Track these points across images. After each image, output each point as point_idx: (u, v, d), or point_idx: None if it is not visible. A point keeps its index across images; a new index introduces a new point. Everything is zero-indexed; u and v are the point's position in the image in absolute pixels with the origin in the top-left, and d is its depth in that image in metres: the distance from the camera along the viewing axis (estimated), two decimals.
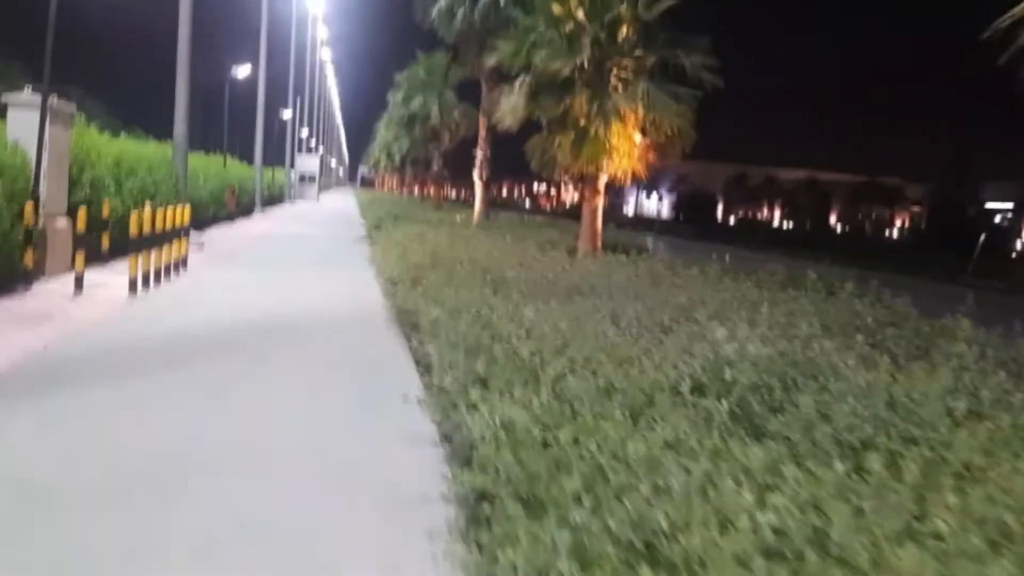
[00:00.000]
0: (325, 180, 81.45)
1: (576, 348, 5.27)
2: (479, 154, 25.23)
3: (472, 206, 28.34)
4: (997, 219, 63.28)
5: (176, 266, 12.68)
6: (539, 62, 13.57)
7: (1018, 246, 61.14)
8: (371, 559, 3.45)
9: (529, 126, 14.95)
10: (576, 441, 3.61)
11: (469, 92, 32.46)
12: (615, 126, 13.55)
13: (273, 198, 42.08)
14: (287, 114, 51.24)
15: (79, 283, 10.52)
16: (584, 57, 13.24)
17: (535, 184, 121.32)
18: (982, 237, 30.21)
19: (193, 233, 16.67)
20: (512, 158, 21.23)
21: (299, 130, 57.85)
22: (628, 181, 15.24)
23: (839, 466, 3.00)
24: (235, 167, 31.65)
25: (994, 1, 5.06)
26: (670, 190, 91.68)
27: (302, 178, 56.35)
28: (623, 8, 13.44)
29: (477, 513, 3.63)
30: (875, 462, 2.99)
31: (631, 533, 2.70)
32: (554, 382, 4.49)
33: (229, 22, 46.32)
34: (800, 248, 35.15)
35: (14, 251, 10.22)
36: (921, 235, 64.03)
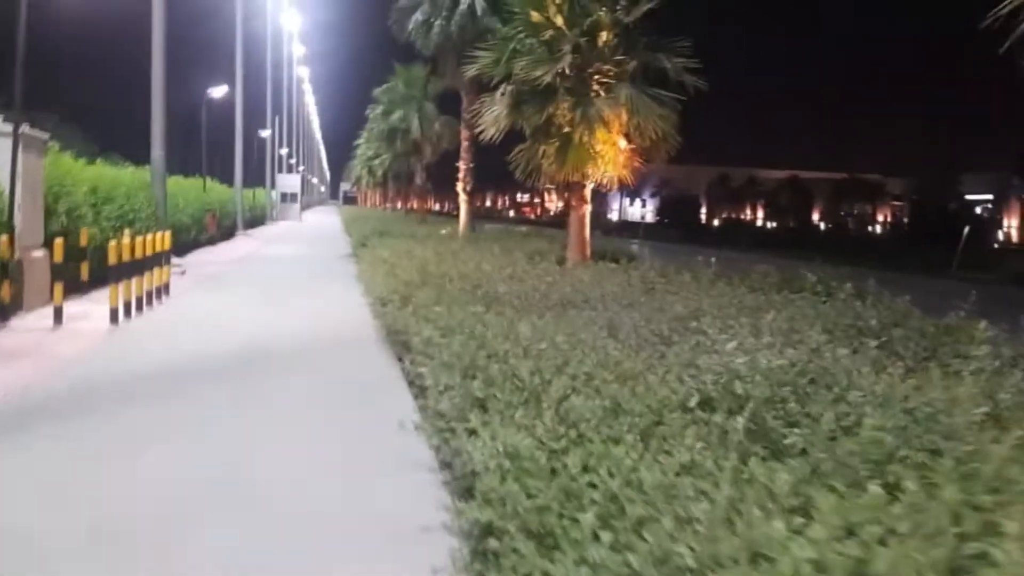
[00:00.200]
0: (307, 198, 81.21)
1: (576, 365, 5.07)
2: (462, 166, 25.04)
3: (456, 218, 28.13)
4: (978, 211, 63.69)
5: (158, 293, 12.48)
6: (520, 70, 13.38)
7: (1000, 237, 61.54)
8: None
9: (512, 136, 14.77)
10: (586, 468, 3.41)
11: (449, 104, 32.36)
12: (599, 132, 13.38)
13: (255, 219, 41.77)
14: (266, 133, 50.97)
15: (58, 316, 10.30)
16: (565, 64, 13.06)
17: (518, 194, 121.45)
18: (966, 230, 30.23)
19: (174, 259, 16.46)
20: (495, 168, 21.09)
21: (279, 149, 57.56)
22: (614, 187, 15.08)
23: (870, 486, 2.80)
24: (215, 189, 31.37)
25: None
26: (653, 194, 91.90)
27: (284, 197, 56.09)
28: (602, 13, 13.29)
29: (483, 547, 3.44)
30: (908, 479, 2.80)
31: (655, 572, 2.51)
32: (557, 403, 4.28)
33: (204, 43, 46.08)
34: (785, 247, 35.21)
35: None
36: (904, 230, 64.32)
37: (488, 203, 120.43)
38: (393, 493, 4.62)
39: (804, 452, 3.49)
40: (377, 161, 45.36)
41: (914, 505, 2.62)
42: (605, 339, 6.10)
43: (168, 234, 13.71)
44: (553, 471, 3.52)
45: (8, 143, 10.77)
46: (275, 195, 53.37)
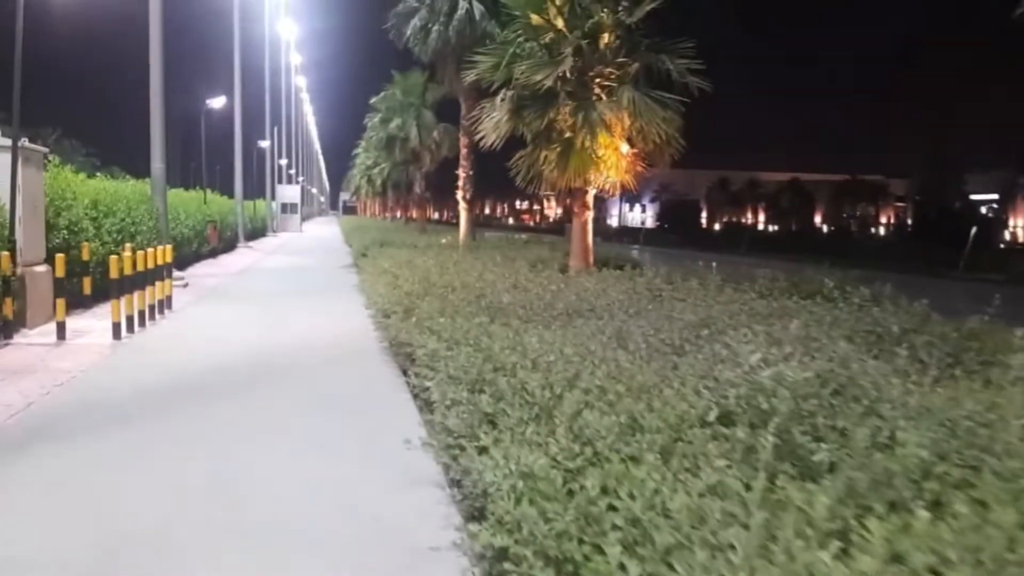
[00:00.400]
0: (307, 209, 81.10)
1: (588, 378, 4.87)
2: (461, 174, 24.87)
3: (456, 226, 27.94)
4: (983, 210, 63.47)
5: (160, 307, 12.39)
6: (520, 75, 13.17)
7: (1006, 237, 61.31)
8: None
9: (511, 143, 14.58)
10: (605, 490, 3.21)
11: (448, 112, 32.23)
12: (601, 136, 13.17)
13: (256, 230, 41.61)
14: (265, 144, 50.85)
15: (61, 331, 10.24)
16: (566, 67, 12.86)
17: (517, 201, 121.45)
18: (973, 230, 29.95)
19: (176, 272, 16.32)
20: (494, 176, 20.93)
21: (278, 160, 57.44)
22: (617, 193, 14.89)
23: (917, 509, 2.60)
24: (216, 201, 31.20)
25: None
26: (653, 199, 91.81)
27: (284, 208, 55.94)
28: (604, 14, 13.10)
29: (497, 572, 3.27)
30: (954, 499, 2.60)
31: None
32: (570, 419, 4.08)
33: (202, 55, 46.01)
34: (788, 251, 34.99)
35: None
36: (908, 231, 64.11)
37: (487, 211, 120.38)
38: (400, 510, 4.48)
39: (832, 468, 3.29)
40: (376, 170, 45.28)
41: (966, 529, 2.42)
42: (615, 350, 5.90)
43: (169, 247, 13.63)
44: (570, 492, 3.33)
45: (8, 157, 10.66)
46: (275, 206, 53.21)
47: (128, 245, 12.16)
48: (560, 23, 13.37)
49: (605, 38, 13.33)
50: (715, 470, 3.18)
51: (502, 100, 13.88)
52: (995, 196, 66.91)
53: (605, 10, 13.14)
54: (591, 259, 14.39)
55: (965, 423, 3.34)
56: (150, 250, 12.02)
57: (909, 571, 2.27)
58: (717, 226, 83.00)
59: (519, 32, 13.84)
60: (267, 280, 20.01)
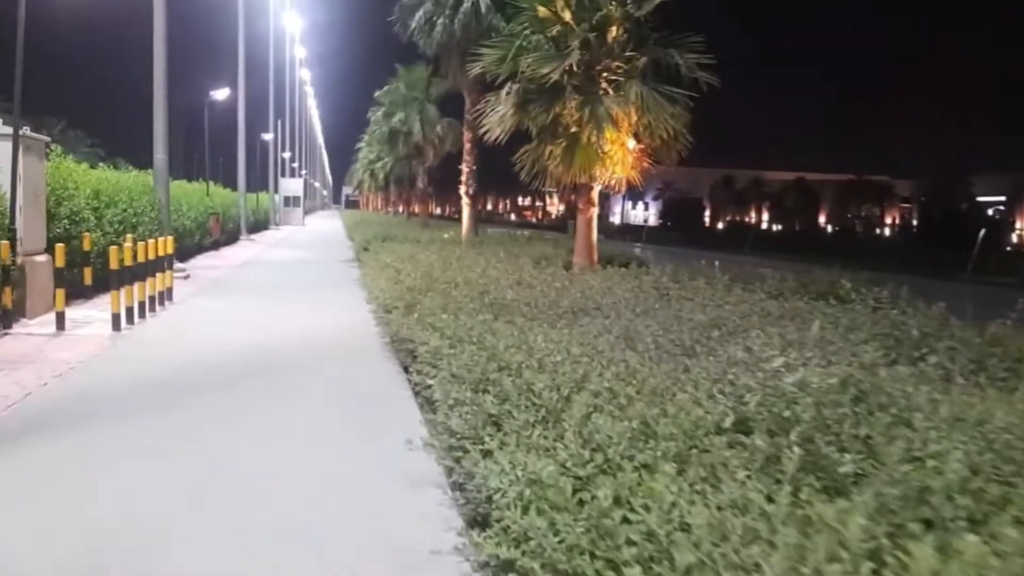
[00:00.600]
0: (310, 203, 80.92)
1: (596, 379, 4.68)
2: (465, 168, 24.66)
3: (458, 222, 27.73)
4: (989, 212, 63.20)
5: (161, 299, 12.27)
6: (526, 68, 12.94)
7: (1014, 239, 61.05)
8: None
9: (515, 138, 14.37)
10: (618, 500, 3.02)
11: (452, 107, 32.03)
12: (608, 132, 12.94)
13: (258, 223, 41.45)
14: (268, 137, 50.67)
15: (60, 322, 10.14)
16: (573, 60, 12.65)
17: (519, 197, 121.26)
18: (982, 232, 29.69)
19: (178, 263, 16.19)
20: (497, 171, 20.75)
21: (281, 153, 57.24)
22: (623, 190, 14.67)
23: (955, 528, 2.41)
24: (218, 193, 31.05)
25: None
26: (656, 197, 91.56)
27: (287, 201, 55.76)
28: (612, 7, 12.87)
29: None
30: (1001, 522, 2.41)
31: None
32: (579, 423, 3.90)
33: (206, 47, 45.82)
34: (792, 251, 34.77)
35: None
36: (913, 232, 63.84)
37: (489, 207, 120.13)
38: (400, 512, 4.36)
39: (856, 481, 3.11)
40: (379, 164, 45.06)
41: (1015, 554, 2.23)
42: (623, 350, 5.71)
43: (171, 239, 13.55)
44: (580, 502, 3.15)
45: (9, 146, 10.56)
46: (278, 199, 53.04)
47: (129, 236, 12.03)
48: (567, 16, 13.15)
49: (613, 31, 13.10)
50: (736, 482, 2.98)
51: (507, 94, 13.68)
52: (1002, 198, 66.62)
53: (614, 3, 12.90)
54: (595, 256, 14.20)
55: (1003, 436, 3.14)
56: (151, 241, 11.97)
57: None
58: (720, 225, 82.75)
59: (525, 24, 13.62)
60: (269, 273, 19.89)
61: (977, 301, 6.74)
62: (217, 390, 7.14)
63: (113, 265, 10.60)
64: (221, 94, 35.97)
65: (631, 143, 13.34)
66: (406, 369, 7.53)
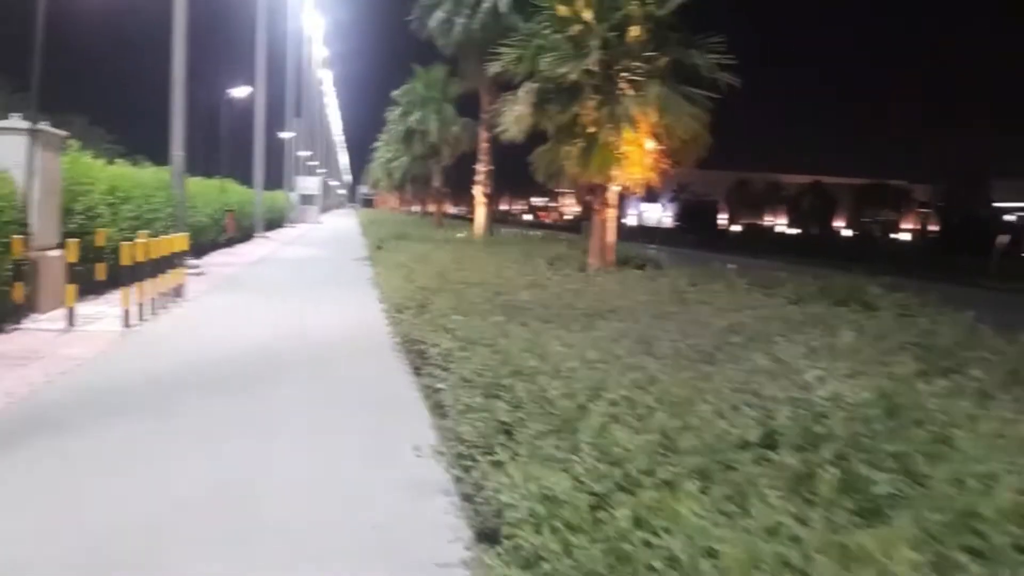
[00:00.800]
0: (326, 201, 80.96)
1: (613, 386, 4.49)
2: (480, 168, 24.51)
3: (473, 221, 27.59)
4: (1011, 218, 62.49)
5: (173, 295, 12.16)
6: (545, 67, 12.79)
7: None
8: None
9: (530, 139, 14.21)
10: (638, 522, 2.82)
11: (468, 108, 31.88)
12: (626, 132, 12.77)
13: (274, 221, 41.40)
14: (286, 135, 50.70)
15: (70, 318, 10.00)
16: (592, 60, 12.46)
17: (533, 198, 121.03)
18: (1007, 239, 29.18)
19: (192, 260, 16.11)
20: (512, 172, 20.54)
21: (298, 151, 57.29)
22: (640, 191, 14.46)
23: (1009, 562, 2.21)
24: (235, 191, 30.98)
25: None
26: (671, 199, 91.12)
27: (304, 199, 55.74)
28: (633, 7, 12.67)
29: None
30: None
31: None
32: (596, 434, 3.70)
33: (226, 44, 45.87)
34: (808, 255, 34.32)
35: (2, 286, 9.66)
36: (933, 237, 63.19)
37: (504, 207, 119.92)
38: (407, 521, 4.21)
39: (893, 503, 2.90)
40: (395, 163, 44.92)
41: None
42: (641, 356, 5.51)
43: (185, 236, 13.42)
44: (597, 521, 2.95)
45: (25, 140, 10.53)
46: (295, 197, 53.04)
47: (143, 232, 11.93)
48: (587, 15, 12.98)
49: (633, 31, 12.90)
50: (765, 504, 2.78)
51: (525, 93, 13.51)
52: (1022, 204, 65.85)
53: (635, 2, 12.71)
54: (611, 258, 14.01)
55: None
56: (164, 237, 11.84)
57: None
58: (736, 227, 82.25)
59: (545, 23, 13.45)
60: (283, 271, 19.81)
61: (1002, 308, 6.49)
62: (224, 390, 7.00)
63: (124, 261, 10.50)
64: (240, 92, 35.99)
65: (649, 144, 13.14)
66: (417, 371, 7.35)
